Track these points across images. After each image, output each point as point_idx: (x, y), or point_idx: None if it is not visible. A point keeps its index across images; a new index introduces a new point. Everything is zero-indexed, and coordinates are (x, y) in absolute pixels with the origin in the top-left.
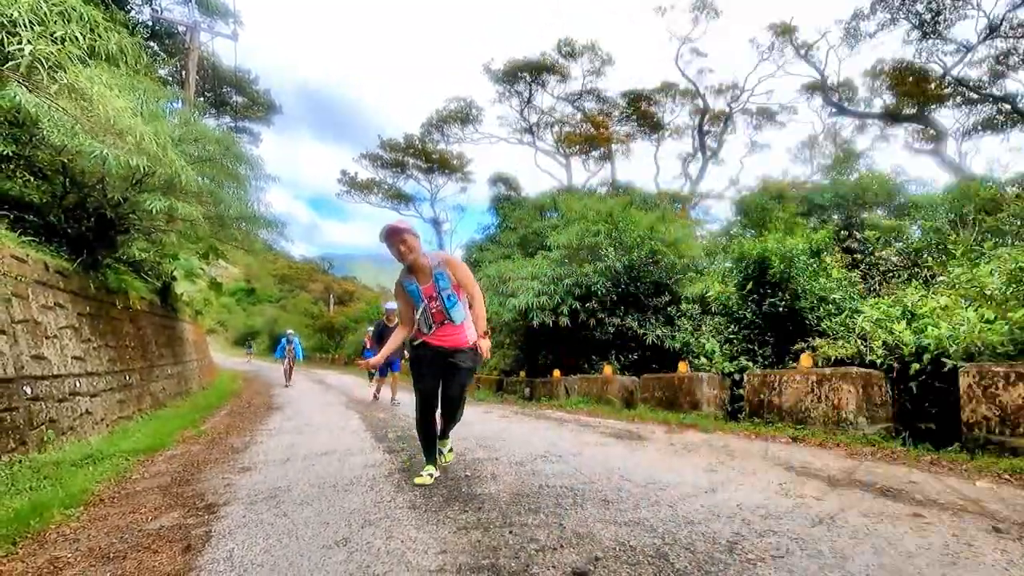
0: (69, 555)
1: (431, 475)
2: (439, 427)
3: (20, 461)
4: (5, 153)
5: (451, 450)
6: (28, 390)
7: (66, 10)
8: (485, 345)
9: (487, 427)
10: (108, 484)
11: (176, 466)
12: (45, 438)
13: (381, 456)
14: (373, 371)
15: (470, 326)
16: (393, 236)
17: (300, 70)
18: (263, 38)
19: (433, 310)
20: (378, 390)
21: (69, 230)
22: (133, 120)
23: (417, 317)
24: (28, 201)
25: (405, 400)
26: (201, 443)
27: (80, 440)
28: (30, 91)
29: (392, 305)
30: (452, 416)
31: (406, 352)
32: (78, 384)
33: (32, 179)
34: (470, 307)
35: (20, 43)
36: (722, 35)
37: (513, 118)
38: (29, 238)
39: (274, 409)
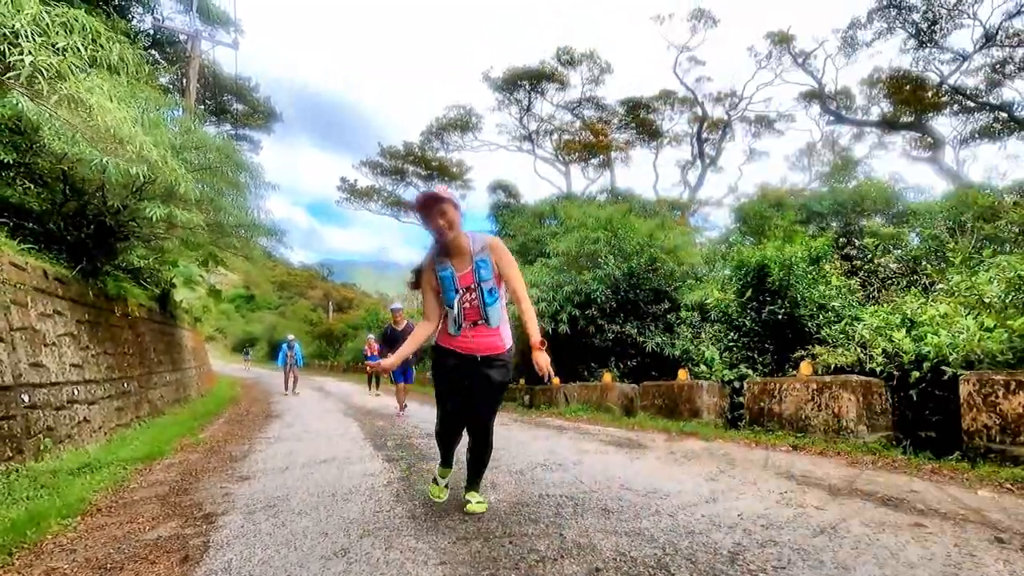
0: (66, 566)
1: (447, 485)
2: (466, 473)
3: (17, 470)
4: (6, 160)
5: (480, 501)
6: (26, 398)
7: (68, 21)
8: (544, 361)
9: None
10: (106, 493)
11: (174, 475)
12: (42, 447)
13: (380, 465)
14: (377, 376)
15: (507, 330)
16: (430, 205)
17: (300, 75)
18: (264, 39)
19: (466, 305)
20: (401, 404)
21: (69, 237)
22: (133, 129)
23: (447, 312)
24: (28, 208)
25: (411, 409)
26: (199, 451)
27: (78, 448)
28: (31, 100)
29: (398, 305)
30: (483, 446)
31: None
32: (76, 392)
33: (32, 186)
34: (512, 304)
35: (21, 53)
36: (720, 43)
37: (512, 126)
38: (28, 245)
39: (273, 417)
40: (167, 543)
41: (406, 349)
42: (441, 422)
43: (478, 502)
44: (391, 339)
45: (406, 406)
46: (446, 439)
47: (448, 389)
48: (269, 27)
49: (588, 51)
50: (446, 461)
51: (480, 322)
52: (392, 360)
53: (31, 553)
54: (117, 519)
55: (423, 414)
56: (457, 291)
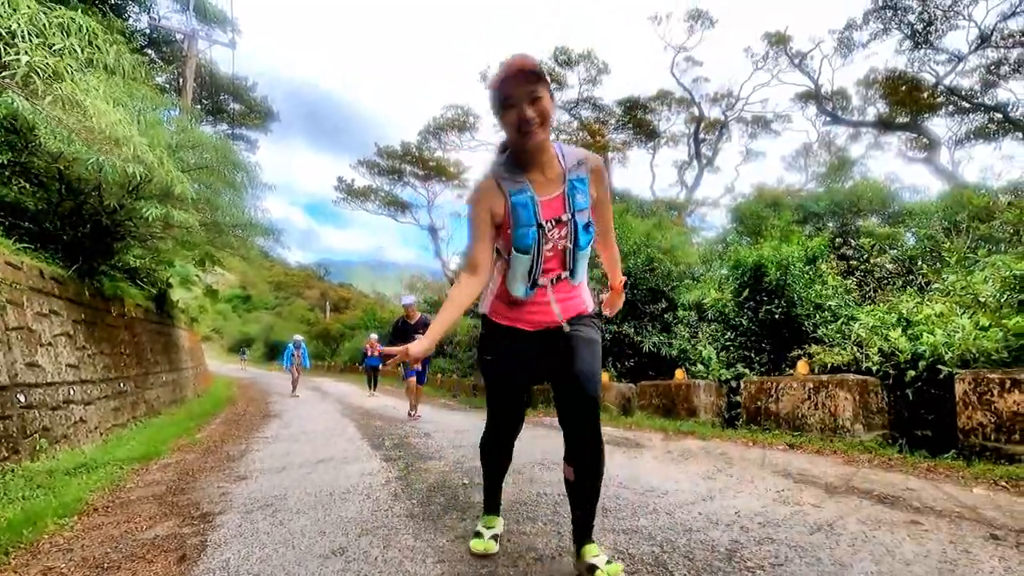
0: (63, 565)
1: (495, 536)
2: (569, 493)
3: (13, 470)
4: (1, 160)
5: (610, 561)
6: (22, 398)
7: (65, 22)
8: (619, 302)
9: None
10: (102, 493)
11: (171, 475)
12: (38, 447)
13: (378, 464)
14: (375, 376)
15: (587, 287)
16: (519, 83)
17: (297, 74)
18: (261, 39)
19: (548, 250)
20: (413, 405)
21: (65, 237)
22: (130, 130)
23: (513, 261)
24: (24, 207)
25: (424, 414)
26: (196, 451)
27: (74, 448)
28: (27, 100)
29: (411, 299)
30: (594, 451)
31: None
32: (72, 392)
33: (28, 186)
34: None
35: (18, 54)
36: (717, 44)
37: None
38: (24, 245)
39: (270, 417)
40: (164, 542)
41: (437, 329)
42: (493, 425)
43: (608, 562)
44: (401, 332)
45: (419, 415)
46: (496, 454)
47: (504, 377)
48: (266, 26)
49: (585, 51)
50: (492, 502)
51: (564, 275)
52: (425, 344)
53: (28, 553)
54: (114, 519)
55: (426, 414)
56: (540, 226)
